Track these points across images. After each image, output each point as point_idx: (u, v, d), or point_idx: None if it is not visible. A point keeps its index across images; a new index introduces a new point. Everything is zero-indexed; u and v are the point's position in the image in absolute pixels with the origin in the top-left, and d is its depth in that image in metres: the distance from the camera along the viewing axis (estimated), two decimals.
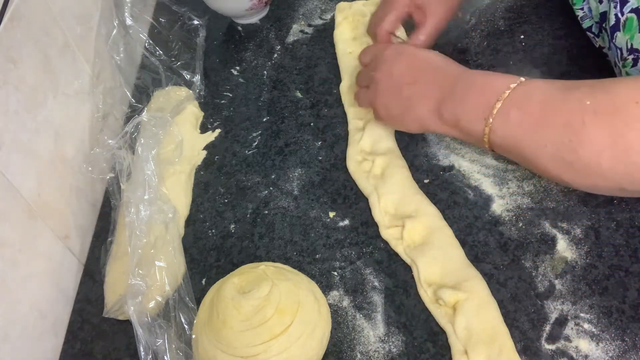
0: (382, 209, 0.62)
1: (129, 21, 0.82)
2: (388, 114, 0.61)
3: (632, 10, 0.57)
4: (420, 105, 0.57)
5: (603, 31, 0.65)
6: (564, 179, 0.47)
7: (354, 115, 0.72)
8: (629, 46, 0.58)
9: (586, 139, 0.44)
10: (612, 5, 0.60)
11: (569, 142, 0.45)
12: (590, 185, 0.47)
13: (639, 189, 0.44)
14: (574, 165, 0.45)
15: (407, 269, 0.59)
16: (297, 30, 0.87)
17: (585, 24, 0.70)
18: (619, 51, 0.60)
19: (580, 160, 0.44)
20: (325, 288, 0.59)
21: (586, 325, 0.52)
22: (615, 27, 0.60)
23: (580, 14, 0.70)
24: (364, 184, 0.65)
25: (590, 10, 0.68)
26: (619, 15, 0.59)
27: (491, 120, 0.50)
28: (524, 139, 0.49)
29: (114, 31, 0.80)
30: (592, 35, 0.68)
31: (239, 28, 0.90)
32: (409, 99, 0.58)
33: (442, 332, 0.54)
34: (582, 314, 0.53)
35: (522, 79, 0.51)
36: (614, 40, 0.61)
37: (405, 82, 0.58)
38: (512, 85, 0.50)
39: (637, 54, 0.57)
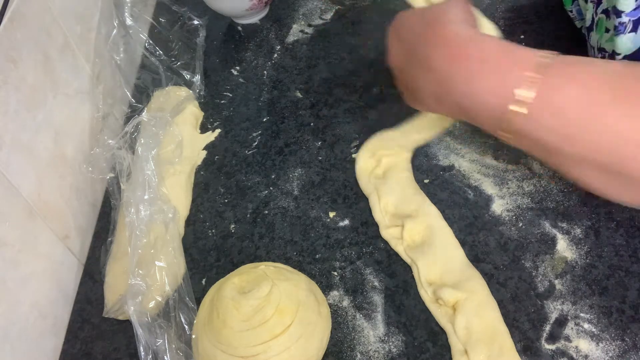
0: (382, 209, 0.62)
1: (129, 21, 0.82)
2: (419, 102, 0.51)
3: (603, 11, 0.58)
4: (423, 92, 0.48)
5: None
6: (608, 192, 0.40)
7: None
8: (598, 45, 0.60)
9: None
10: (592, 6, 0.61)
11: (615, 158, 0.37)
12: None
13: None
14: (624, 179, 0.38)
15: (407, 269, 0.59)
16: (297, 30, 0.87)
17: (577, 24, 0.71)
18: (592, 50, 0.62)
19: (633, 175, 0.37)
20: (325, 288, 0.59)
21: (586, 325, 0.52)
22: (590, 27, 0.62)
23: (571, 15, 0.71)
24: (365, 184, 0.65)
25: (579, 12, 0.69)
26: (594, 16, 0.60)
27: (511, 112, 0.40)
28: (557, 144, 0.39)
29: (114, 31, 0.80)
30: (585, 36, 0.69)
31: (239, 28, 0.90)
32: (420, 81, 0.48)
33: (442, 332, 0.54)
34: (582, 314, 0.53)
35: (548, 58, 0.41)
36: (589, 40, 0.62)
37: (411, 62, 0.48)
38: (537, 76, 0.39)
39: (604, 53, 0.59)
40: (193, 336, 0.55)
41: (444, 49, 0.44)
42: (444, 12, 0.47)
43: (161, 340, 0.55)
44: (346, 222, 0.64)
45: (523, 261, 0.57)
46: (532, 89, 0.39)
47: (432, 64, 0.45)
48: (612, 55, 0.56)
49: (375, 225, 0.62)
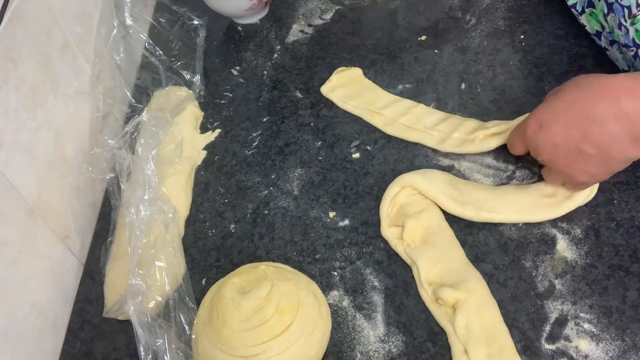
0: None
1: (129, 21, 0.82)
2: (592, 178, 0.53)
3: None
4: (616, 146, 0.49)
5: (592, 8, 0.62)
6: None
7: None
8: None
9: None
10: None
11: None
12: None
13: None
14: None
15: (407, 269, 0.59)
16: (297, 30, 0.87)
17: (570, 0, 0.67)
18: (626, 10, 0.59)
19: None
20: (325, 288, 0.59)
21: (586, 325, 0.52)
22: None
23: (574, 11, 0.68)
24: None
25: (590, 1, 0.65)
26: None
27: None
28: None
29: (114, 31, 0.80)
30: (576, 13, 0.66)
31: (239, 28, 0.90)
32: (598, 150, 0.50)
33: (442, 332, 0.54)
34: (582, 314, 0.53)
35: None
36: (620, 0, 0.59)
37: (579, 143, 0.51)
38: None
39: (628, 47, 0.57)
40: (193, 336, 0.55)
41: (629, 93, 0.48)
42: (595, 78, 0.51)
43: (161, 340, 0.55)
44: (346, 222, 0.64)
45: (523, 261, 0.57)
46: None
47: (618, 111, 0.48)
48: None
49: (375, 225, 0.62)
